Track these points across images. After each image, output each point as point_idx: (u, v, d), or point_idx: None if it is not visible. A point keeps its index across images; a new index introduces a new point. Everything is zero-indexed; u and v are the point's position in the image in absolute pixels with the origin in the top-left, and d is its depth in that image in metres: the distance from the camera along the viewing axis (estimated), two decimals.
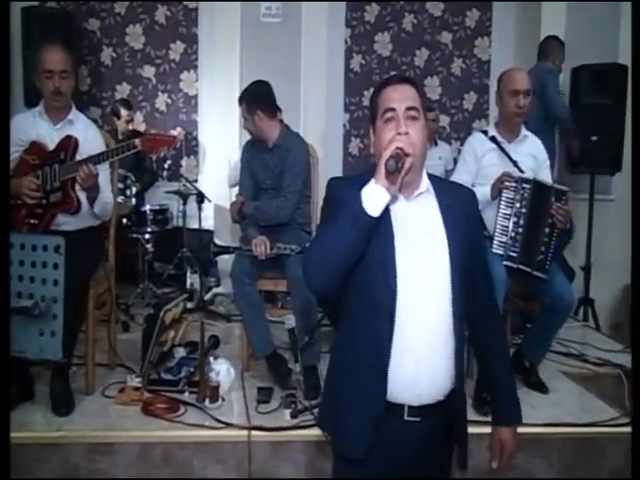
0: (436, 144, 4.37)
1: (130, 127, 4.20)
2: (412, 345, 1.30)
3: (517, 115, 2.62)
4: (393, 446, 1.33)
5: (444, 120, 4.82)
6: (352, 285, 1.34)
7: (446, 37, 4.81)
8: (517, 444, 1.48)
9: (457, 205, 1.38)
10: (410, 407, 1.32)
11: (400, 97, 1.33)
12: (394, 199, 1.31)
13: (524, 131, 2.71)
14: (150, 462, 2.12)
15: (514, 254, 2.57)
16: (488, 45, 4.86)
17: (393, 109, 1.32)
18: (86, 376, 2.49)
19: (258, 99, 2.66)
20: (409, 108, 1.32)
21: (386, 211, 1.29)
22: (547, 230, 2.55)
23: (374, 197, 1.24)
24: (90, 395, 2.45)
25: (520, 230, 2.57)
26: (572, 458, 2.28)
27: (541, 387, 2.67)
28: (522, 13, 4.67)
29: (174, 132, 2.40)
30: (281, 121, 2.75)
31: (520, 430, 2.24)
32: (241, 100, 2.69)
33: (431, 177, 1.41)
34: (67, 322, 1.61)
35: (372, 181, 1.26)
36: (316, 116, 4.43)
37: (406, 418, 1.32)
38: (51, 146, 2.41)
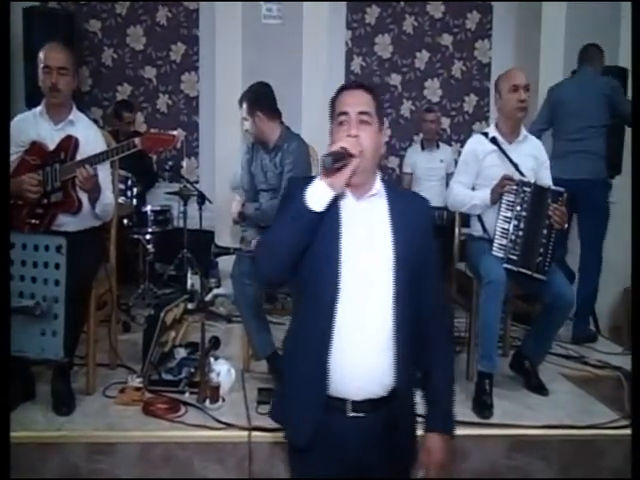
0: (437, 147, 4.38)
1: (132, 129, 4.21)
2: (352, 341, 1.34)
3: (520, 110, 2.64)
4: (339, 440, 1.37)
5: (444, 122, 4.83)
6: (299, 279, 1.39)
7: (447, 39, 4.82)
8: (448, 455, 1.43)
9: (408, 211, 1.42)
10: (353, 402, 1.36)
11: (353, 102, 1.38)
12: (342, 197, 1.37)
13: (524, 131, 2.73)
14: (151, 462, 2.12)
15: (514, 257, 2.58)
16: (489, 47, 4.87)
17: (346, 113, 1.37)
18: (87, 376, 2.50)
19: (258, 100, 2.66)
20: (361, 112, 1.37)
21: (335, 209, 1.35)
22: (545, 231, 2.57)
23: (317, 193, 1.30)
24: (91, 395, 2.46)
25: (520, 233, 2.58)
26: (571, 460, 2.29)
27: (541, 389, 2.67)
28: (522, 15, 4.67)
29: (174, 132, 2.39)
30: (281, 122, 2.75)
31: (520, 432, 2.30)
32: (241, 101, 2.70)
33: (386, 183, 1.46)
34: (69, 322, 1.61)
35: (317, 178, 1.31)
36: (317, 117, 4.42)
37: (349, 414, 1.36)
38: (52, 146, 2.41)
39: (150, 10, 4.61)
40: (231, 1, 4.25)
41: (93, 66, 4.62)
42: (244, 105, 2.67)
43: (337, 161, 1.28)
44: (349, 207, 1.39)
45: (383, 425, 1.38)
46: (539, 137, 3.50)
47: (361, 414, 1.36)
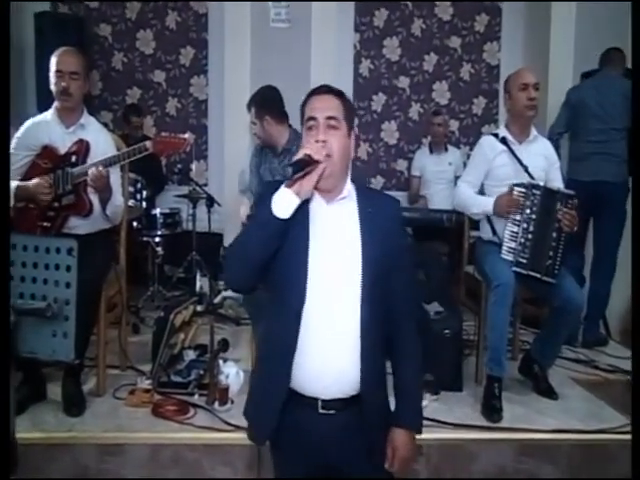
0: (446, 150, 4.37)
1: (140, 133, 4.24)
2: (318, 343, 1.36)
3: (529, 108, 2.63)
4: (312, 436, 1.40)
5: (453, 125, 4.82)
6: (269, 283, 1.42)
7: (455, 42, 4.81)
8: (414, 452, 1.45)
9: (378, 213, 1.44)
10: (323, 400, 1.38)
11: (322, 107, 1.39)
12: (312, 201, 1.39)
13: (534, 131, 2.72)
14: (159, 463, 2.14)
15: (524, 260, 2.56)
16: (497, 50, 4.85)
17: (314, 118, 1.39)
18: (97, 378, 2.52)
19: (266, 104, 2.67)
20: (329, 117, 1.38)
21: (305, 213, 1.38)
22: (555, 235, 2.55)
23: (283, 201, 1.32)
24: (101, 397, 2.48)
25: (529, 236, 2.57)
26: (581, 465, 2.27)
27: (551, 393, 2.66)
28: (532, 17, 4.65)
29: (185, 135, 2.41)
30: (290, 126, 2.76)
31: (529, 436, 2.29)
32: (249, 105, 2.72)
33: (357, 185, 1.47)
34: (80, 324, 1.62)
35: (283, 185, 1.33)
36: None
37: (320, 411, 1.39)
38: (63, 150, 2.44)
39: (160, 14, 4.65)
40: (240, 0, 4.26)
41: (103, 70, 4.66)
42: (252, 109, 2.69)
43: (302, 168, 1.30)
44: (319, 211, 1.41)
45: (354, 422, 1.40)
46: (557, 140, 3.50)
47: (331, 411, 1.39)
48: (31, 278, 1.60)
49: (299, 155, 1.32)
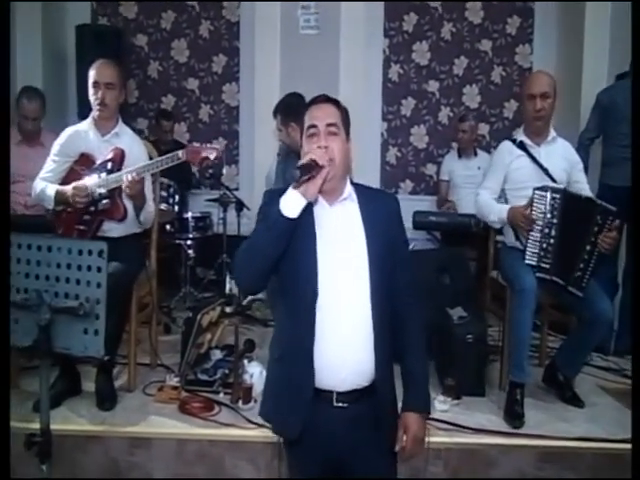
0: (475, 154, 4.33)
1: (170, 137, 4.37)
2: (333, 338, 1.43)
3: (535, 119, 2.63)
4: (326, 430, 1.46)
5: (483, 129, 4.79)
6: (280, 283, 1.50)
7: (486, 45, 4.79)
8: (422, 431, 1.52)
9: (378, 209, 1.52)
10: (338, 393, 1.45)
11: (322, 115, 1.49)
12: (315, 203, 1.48)
13: (552, 132, 2.70)
14: (184, 458, 2.22)
15: (547, 265, 2.54)
16: (530, 52, 4.80)
17: (315, 125, 1.48)
18: (128, 375, 2.64)
19: (291, 111, 2.74)
20: (329, 124, 1.48)
21: (310, 215, 1.46)
22: (589, 247, 2.50)
23: (290, 201, 1.41)
24: (131, 392, 2.59)
25: (551, 241, 2.54)
26: (604, 474, 2.24)
27: (576, 401, 2.62)
28: (565, 19, 4.58)
29: (217, 145, 2.49)
30: None
31: (550, 443, 2.27)
32: (275, 112, 2.79)
33: (357, 186, 1.56)
34: (112, 323, 1.71)
35: (291, 187, 1.42)
36: (354, 125, 4.46)
37: (335, 404, 1.46)
38: (99, 157, 2.56)
39: (193, 24, 4.80)
40: (269, 0, 4.33)
41: (140, 79, 4.84)
42: (278, 116, 2.76)
43: (308, 172, 1.39)
44: (323, 212, 1.50)
45: (367, 413, 1.47)
46: (588, 146, 3.43)
47: (346, 404, 1.46)
48: (65, 278, 1.68)
49: (305, 160, 1.41)
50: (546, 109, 2.61)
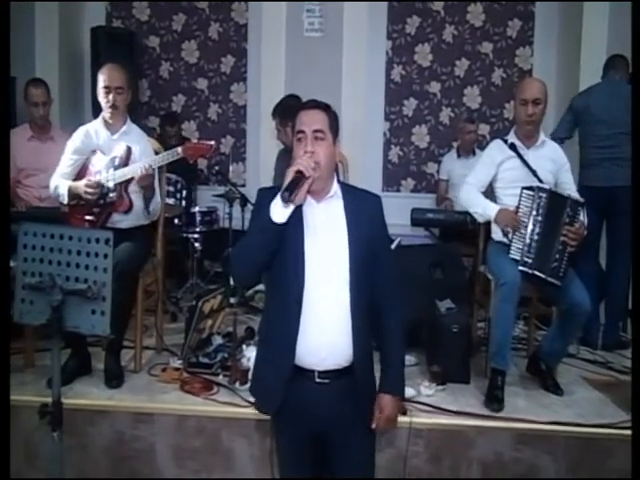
0: (474, 154, 4.44)
1: (174, 142, 4.52)
2: (315, 323, 1.59)
3: (527, 123, 2.76)
4: (310, 404, 1.62)
5: (484, 129, 4.89)
6: (271, 275, 1.65)
7: (487, 47, 4.90)
8: (397, 413, 1.70)
9: (361, 207, 1.66)
10: (319, 371, 1.61)
11: (309, 121, 1.60)
12: (304, 202, 1.59)
13: (542, 136, 2.83)
14: (185, 432, 2.41)
15: (529, 260, 2.67)
16: (530, 54, 4.90)
17: (303, 131, 1.59)
18: (135, 357, 2.82)
19: (289, 112, 2.89)
20: (316, 130, 1.58)
21: (299, 213, 1.60)
22: (562, 238, 2.64)
23: (279, 209, 1.54)
24: (137, 373, 2.78)
25: (536, 237, 2.67)
26: (577, 456, 2.37)
27: (556, 389, 2.74)
28: (564, 22, 4.68)
29: (211, 142, 2.68)
30: None
31: (526, 426, 2.41)
32: (274, 114, 2.95)
33: (343, 185, 1.70)
34: (118, 304, 1.88)
35: (279, 195, 1.54)
36: (357, 125, 4.63)
37: (317, 380, 1.61)
38: (108, 154, 2.74)
39: (203, 26, 4.98)
40: (277, 0, 4.48)
41: (151, 79, 5.03)
42: (276, 117, 2.92)
43: (296, 184, 1.53)
44: (310, 209, 1.64)
45: (346, 390, 1.63)
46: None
47: (327, 380, 1.61)
48: (75, 264, 1.85)
49: (290, 175, 1.54)
50: (537, 114, 2.73)
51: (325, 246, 1.62)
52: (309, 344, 1.59)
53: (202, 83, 5.03)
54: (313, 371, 1.61)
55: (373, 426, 1.66)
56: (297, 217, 1.60)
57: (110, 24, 4.93)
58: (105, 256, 1.82)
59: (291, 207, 1.55)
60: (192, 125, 5.03)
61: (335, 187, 1.67)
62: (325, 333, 1.59)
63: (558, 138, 3.49)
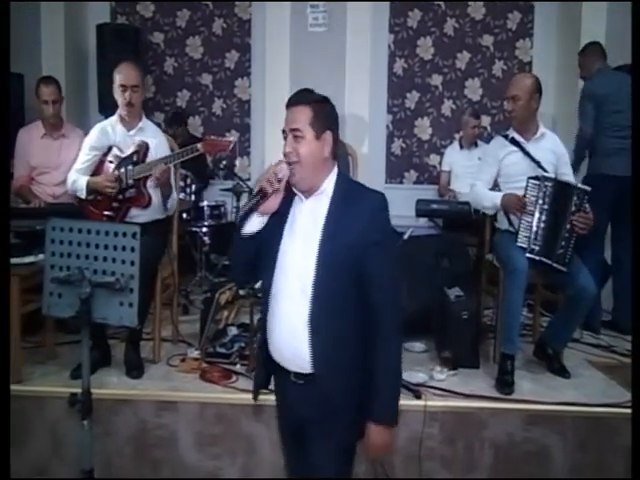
0: (476, 145, 4.52)
1: (179, 141, 4.55)
2: (281, 325, 1.57)
3: (510, 119, 2.91)
4: (289, 399, 1.65)
5: (485, 120, 4.95)
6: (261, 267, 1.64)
7: (487, 40, 4.95)
8: (385, 443, 1.55)
9: (352, 206, 1.53)
10: (294, 372, 1.58)
11: (288, 120, 1.55)
12: (294, 195, 1.57)
13: (541, 128, 2.91)
14: (205, 419, 2.48)
15: (537, 247, 2.75)
16: (530, 47, 4.95)
17: (284, 131, 1.57)
18: (153, 348, 2.90)
19: None
20: (293, 129, 1.53)
21: (287, 207, 1.57)
22: (568, 226, 2.72)
23: (249, 222, 1.56)
24: (156, 364, 2.85)
25: (542, 225, 2.75)
26: (585, 435, 2.46)
27: (563, 372, 2.83)
28: (563, 15, 4.74)
29: (230, 138, 2.73)
30: None
31: (535, 407, 2.50)
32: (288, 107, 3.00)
33: (344, 181, 1.58)
34: (140, 297, 1.93)
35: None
36: (360, 118, 4.70)
37: (292, 379, 1.59)
38: (126, 150, 2.80)
39: (207, 21, 5.01)
40: (280, 0, 4.52)
41: (156, 74, 5.07)
42: None
43: (262, 197, 1.52)
44: (298, 205, 1.60)
45: (317, 394, 1.54)
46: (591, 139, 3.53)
47: (301, 381, 1.57)
48: (102, 257, 1.91)
49: (256, 190, 1.54)
50: (515, 110, 2.84)
51: (299, 248, 1.55)
52: (277, 346, 1.59)
53: (206, 78, 5.07)
54: (289, 371, 1.59)
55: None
56: (284, 211, 1.57)
57: (114, 21, 4.95)
58: (132, 249, 1.87)
59: (263, 219, 1.55)
60: (197, 120, 5.07)
61: (327, 183, 1.56)
62: (288, 337, 1.55)
63: (586, 139, 3.49)
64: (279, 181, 1.52)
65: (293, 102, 1.57)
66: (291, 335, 1.54)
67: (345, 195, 1.56)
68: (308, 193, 1.57)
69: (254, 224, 1.56)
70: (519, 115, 2.85)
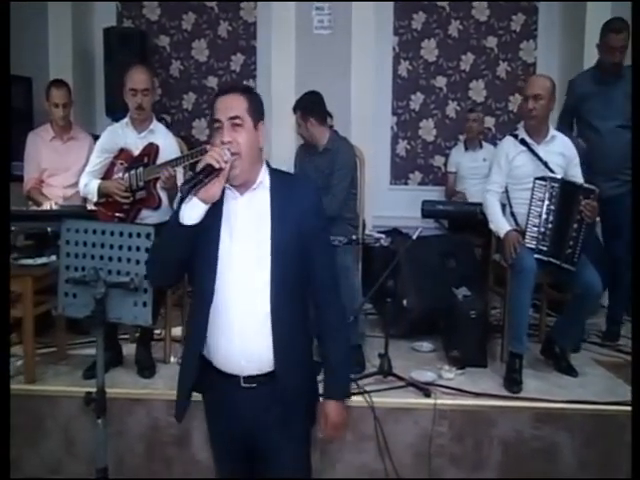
0: (481, 146, 4.53)
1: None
2: (234, 327, 1.46)
3: (528, 118, 2.87)
4: (236, 406, 1.53)
5: (489, 122, 4.97)
6: (190, 274, 1.55)
7: (491, 41, 4.97)
8: (343, 418, 1.57)
9: (290, 196, 1.49)
10: (244, 377, 1.49)
11: (223, 108, 1.44)
12: (223, 194, 1.45)
13: (552, 131, 2.92)
14: None
15: (544, 248, 2.78)
16: (534, 48, 4.98)
17: (219, 120, 1.44)
18: (164, 348, 2.92)
19: (311, 108, 3.00)
20: (231, 117, 1.43)
21: (218, 206, 1.46)
22: (576, 225, 2.74)
23: (190, 209, 1.41)
24: (167, 363, 2.87)
25: (550, 225, 2.77)
26: (593, 433, 2.48)
27: (570, 371, 2.85)
28: (567, 16, 4.77)
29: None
30: (331, 127, 3.08)
31: (544, 405, 2.52)
32: (295, 109, 3.04)
33: (274, 172, 1.54)
34: (154, 297, 1.96)
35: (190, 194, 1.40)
36: (365, 119, 4.71)
37: (242, 385, 1.49)
38: (136, 152, 2.83)
39: (213, 24, 5.04)
40: (285, 1, 4.55)
41: (162, 77, 5.09)
42: (298, 112, 3.02)
43: (206, 176, 1.38)
44: (232, 202, 1.49)
45: (273, 394, 1.50)
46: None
47: (253, 385, 1.49)
48: (117, 257, 1.94)
49: (202, 164, 1.38)
50: (537, 109, 2.81)
51: (244, 245, 1.46)
52: (229, 350, 1.47)
53: (212, 81, 5.09)
54: (237, 376, 1.49)
55: (320, 434, 1.58)
56: (216, 211, 1.46)
57: (121, 24, 4.98)
58: (146, 250, 1.90)
59: (204, 206, 1.41)
60: (203, 123, 5.10)
61: (262, 176, 1.50)
62: (242, 339, 1.46)
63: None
64: (225, 162, 1.39)
65: (226, 90, 1.49)
66: (246, 339, 1.46)
67: (282, 186, 1.51)
68: (244, 187, 1.48)
69: (195, 212, 1.41)
70: (540, 114, 2.83)
